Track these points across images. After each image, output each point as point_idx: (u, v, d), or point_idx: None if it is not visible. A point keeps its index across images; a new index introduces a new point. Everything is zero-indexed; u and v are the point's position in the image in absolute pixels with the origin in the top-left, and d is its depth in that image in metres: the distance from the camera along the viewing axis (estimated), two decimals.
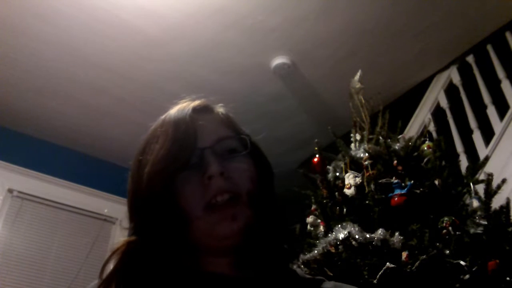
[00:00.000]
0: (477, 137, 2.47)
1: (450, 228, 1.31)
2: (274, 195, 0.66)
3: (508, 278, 1.23)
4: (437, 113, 2.84)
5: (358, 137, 1.80)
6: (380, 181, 1.48)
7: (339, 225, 1.39)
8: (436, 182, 1.47)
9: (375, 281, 1.22)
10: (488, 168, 1.80)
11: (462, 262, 1.23)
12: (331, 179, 1.66)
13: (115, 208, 3.59)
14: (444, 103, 2.81)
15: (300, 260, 1.39)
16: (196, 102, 0.68)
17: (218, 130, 0.64)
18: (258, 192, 0.61)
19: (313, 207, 1.66)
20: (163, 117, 0.68)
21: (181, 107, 0.67)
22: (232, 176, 0.59)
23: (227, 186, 0.58)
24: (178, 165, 0.59)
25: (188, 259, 0.61)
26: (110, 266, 0.60)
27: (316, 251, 1.38)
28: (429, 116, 2.81)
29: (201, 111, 0.67)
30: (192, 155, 0.60)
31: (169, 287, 0.58)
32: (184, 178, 0.59)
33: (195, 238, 0.59)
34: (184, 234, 0.59)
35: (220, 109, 0.70)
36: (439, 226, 1.34)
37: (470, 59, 2.76)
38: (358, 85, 1.90)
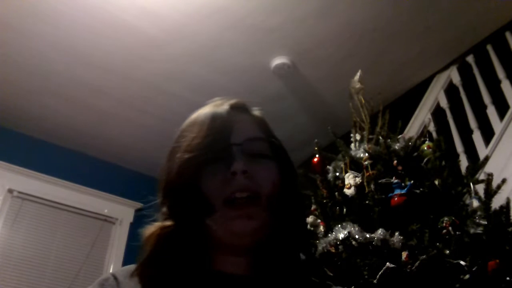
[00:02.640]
0: (477, 137, 2.47)
1: (450, 228, 1.31)
2: (297, 202, 0.67)
3: (508, 278, 1.23)
4: (437, 113, 2.84)
5: (358, 137, 1.80)
6: (380, 181, 1.48)
7: (339, 225, 1.39)
8: (436, 182, 1.47)
9: (375, 281, 1.22)
10: (488, 168, 1.80)
11: (462, 262, 1.23)
12: (331, 179, 1.66)
13: (115, 208, 3.60)
14: (444, 103, 2.81)
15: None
16: (234, 100, 0.69)
17: (250, 130, 0.66)
18: (278, 196, 0.62)
19: (313, 207, 1.66)
20: (199, 110, 0.69)
21: (218, 103, 0.68)
22: (254, 176, 0.61)
23: (248, 184, 0.60)
24: (208, 156, 0.61)
25: (204, 254, 0.62)
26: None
27: (316, 251, 1.38)
28: (429, 116, 2.81)
29: (237, 109, 0.68)
30: (223, 149, 0.61)
31: (184, 285, 0.59)
32: (211, 170, 0.61)
33: (212, 232, 0.60)
34: (204, 226, 0.61)
35: (256, 111, 0.72)
36: (439, 226, 1.33)
37: (470, 59, 2.76)
38: (358, 85, 1.90)
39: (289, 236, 0.64)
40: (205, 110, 0.67)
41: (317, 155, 1.75)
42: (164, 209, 0.64)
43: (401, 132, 1.83)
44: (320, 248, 1.38)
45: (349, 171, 1.59)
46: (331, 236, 1.38)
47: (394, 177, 1.46)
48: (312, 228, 1.61)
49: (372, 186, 1.49)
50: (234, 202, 0.59)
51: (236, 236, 0.59)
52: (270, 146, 0.66)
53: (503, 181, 1.48)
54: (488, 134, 2.44)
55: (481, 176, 1.61)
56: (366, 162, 1.57)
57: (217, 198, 0.59)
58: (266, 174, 0.62)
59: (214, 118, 0.64)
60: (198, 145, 0.61)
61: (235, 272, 0.61)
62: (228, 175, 0.59)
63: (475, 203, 1.47)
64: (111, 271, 3.42)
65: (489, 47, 2.67)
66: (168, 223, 0.62)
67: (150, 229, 0.62)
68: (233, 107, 0.68)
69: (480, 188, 1.51)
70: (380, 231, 1.31)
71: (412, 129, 2.79)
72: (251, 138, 0.64)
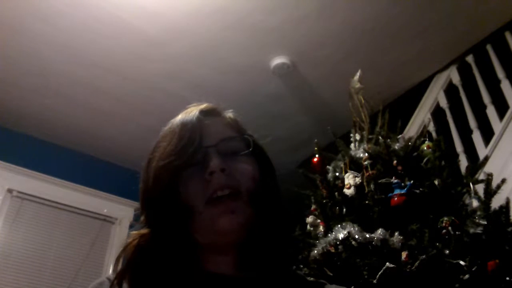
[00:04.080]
0: (476, 137, 2.47)
1: (449, 228, 1.31)
2: (277, 196, 0.68)
3: (508, 278, 1.23)
4: (437, 113, 2.84)
5: (358, 137, 1.80)
6: (380, 181, 1.48)
7: (339, 225, 1.39)
8: (436, 182, 1.47)
9: (375, 281, 1.22)
10: (487, 168, 1.80)
11: (461, 262, 1.23)
12: (331, 179, 1.66)
13: (115, 208, 3.60)
14: (443, 103, 2.81)
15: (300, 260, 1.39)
16: (204, 105, 0.70)
17: (223, 131, 0.66)
18: (259, 191, 0.63)
19: (313, 207, 1.66)
20: (172, 120, 0.70)
21: (189, 110, 0.69)
22: (233, 173, 0.61)
23: (228, 181, 0.60)
24: (182, 161, 0.61)
25: (191, 257, 0.62)
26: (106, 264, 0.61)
27: (316, 251, 1.38)
28: (429, 116, 2.81)
29: (208, 113, 0.69)
30: (197, 153, 0.62)
31: (173, 286, 0.59)
32: (188, 174, 0.61)
33: (197, 234, 0.61)
34: (188, 230, 0.61)
35: (228, 113, 0.72)
36: (438, 226, 1.34)
37: (469, 59, 2.76)
38: (358, 85, 1.90)
39: (274, 231, 0.64)
40: (176, 119, 0.68)
41: (317, 155, 1.75)
42: (142, 218, 0.65)
43: (401, 132, 1.84)
44: (319, 248, 1.38)
45: (349, 171, 1.59)
46: (331, 236, 1.38)
47: (394, 177, 1.46)
48: (311, 228, 1.61)
49: (372, 186, 1.49)
50: (216, 200, 0.59)
51: (222, 233, 0.60)
52: (245, 144, 0.66)
53: (503, 181, 1.48)
54: (487, 134, 2.44)
55: (481, 176, 1.61)
56: (366, 162, 1.57)
57: (199, 200, 0.60)
58: (245, 170, 0.63)
59: (184, 125, 0.65)
60: (171, 152, 0.62)
61: (223, 272, 0.61)
62: (207, 176, 0.60)
63: (475, 203, 1.47)
64: (110, 271, 3.41)
65: (488, 47, 2.67)
66: (144, 231, 0.63)
67: (128, 239, 0.63)
68: (203, 112, 0.68)
69: (480, 188, 1.51)
70: (380, 231, 1.31)
71: (412, 129, 2.79)
72: (225, 138, 0.65)
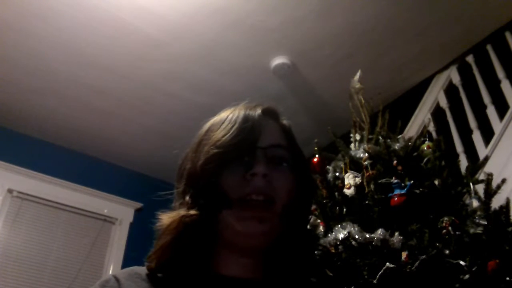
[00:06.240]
0: (476, 137, 2.47)
1: (449, 228, 1.31)
2: (308, 212, 0.70)
3: (508, 278, 1.23)
4: (437, 113, 2.84)
5: (357, 137, 1.79)
6: (380, 181, 1.48)
7: (339, 225, 1.38)
8: (436, 182, 1.47)
9: (375, 281, 1.22)
10: (488, 168, 1.80)
11: (462, 262, 1.23)
12: (331, 179, 1.65)
13: (115, 208, 3.60)
14: (443, 103, 2.81)
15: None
16: (266, 106, 0.72)
17: (276, 137, 0.68)
18: (292, 205, 0.64)
19: (313, 207, 1.66)
20: (231, 108, 0.70)
21: (251, 106, 0.70)
22: (272, 181, 0.62)
23: (265, 188, 0.61)
24: (234, 155, 0.62)
25: (212, 254, 0.63)
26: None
27: (315, 251, 1.38)
28: (429, 116, 2.81)
29: (268, 114, 0.70)
30: (249, 151, 0.63)
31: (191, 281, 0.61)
32: (232, 168, 0.62)
33: (222, 229, 0.62)
34: (216, 223, 0.62)
35: (284, 120, 0.74)
36: (439, 226, 1.33)
37: (470, 59, 2.76)
38: (358, 85, 1.90)
39: (297, 242, 0.65)
40: (237, 110, 0.69)
41: (317, 155, 1.75)
42: (187, 198, 0.65)
43: (401, 132, 1.83)
44: (320, 248, 1.38)
45: (349, 171, 1.59)
46: (331, 236, 1.38)
47: (394, 177, 1.46)
48: (311, 228, 1.61)
49: (372, 186, 1.49)
50: (248, 203, 0.60)
51: (244, 237, 0.60)
52: (291, 156, 0.67)
53: (503, 181, 1.48)
54: (488, 134, 2.44)
55: (481, 176, 1.61)
56: (366, 162, 1.56)
57: (233, 195, 0.61)
58: (284, 182, 0.64)
59: (246, 120, 0.66)
60: (226, 143, 0.63)
61: (240, 275, 0.62)
62: (248, 176, 0.61)
63: (475, 203, 1.47)
64: (111, 271, 3.42)
65: (489, 47, 2.67)
66: (193, 212, 0.62)
67: (170, 215, 0.63)
68: (265, 112, 0.69)
69: (480, 188, 1.51)
70: (380, 231, 1.31)
71: (412, 129, 2.79)
72: (276, 144, 0.66)
